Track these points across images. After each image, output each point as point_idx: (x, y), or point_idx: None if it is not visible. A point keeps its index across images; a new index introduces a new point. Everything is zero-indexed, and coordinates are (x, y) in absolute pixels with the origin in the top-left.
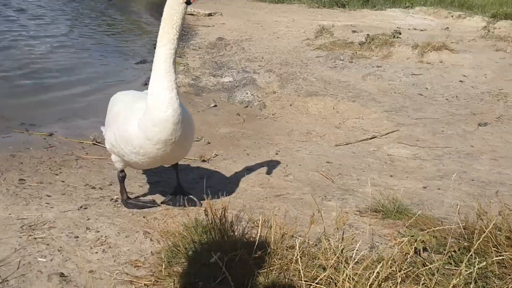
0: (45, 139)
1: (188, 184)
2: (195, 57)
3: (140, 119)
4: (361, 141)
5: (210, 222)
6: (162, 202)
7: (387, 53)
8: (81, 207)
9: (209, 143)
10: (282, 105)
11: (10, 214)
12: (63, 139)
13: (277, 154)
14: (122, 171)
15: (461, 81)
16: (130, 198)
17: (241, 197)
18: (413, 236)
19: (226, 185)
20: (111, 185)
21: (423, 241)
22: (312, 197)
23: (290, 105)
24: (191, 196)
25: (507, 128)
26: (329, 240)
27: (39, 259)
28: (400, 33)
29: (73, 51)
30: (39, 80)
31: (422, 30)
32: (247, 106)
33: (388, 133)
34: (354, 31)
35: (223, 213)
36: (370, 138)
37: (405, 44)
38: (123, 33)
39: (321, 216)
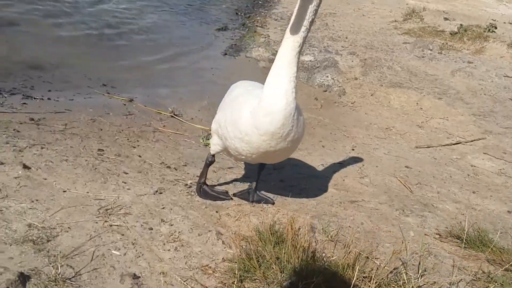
0: (124, 104)
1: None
2: (277, 29)
3: (254, 107)
4: (444, 145)
5: (283, 236)
6: (234, 195)
7: (479, 48)
8: (156, 191)
9: None
10: (363, 93)
11: (88, 192)
12: (142, 107)
13: (353, 149)
14: (214, 156)
15: None
16: (207, 185)
17: (314, 198)
18: (501, 283)
19: (299, 180)
20: (185, 165)
21: None
22: (390, 210)
23: (371, 95)
24: (263, 193)
25: None
26: (407, 274)
27: (113, 251)
28: (495, 27)
29: (157, 12)
30: (122, 41)
31: None
32: (325, 91)
33: (473, 140)
34: (446, 19)
35: (295, 226)
36: (454, 144)
37: (500, 40)
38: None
39: (404, 245)
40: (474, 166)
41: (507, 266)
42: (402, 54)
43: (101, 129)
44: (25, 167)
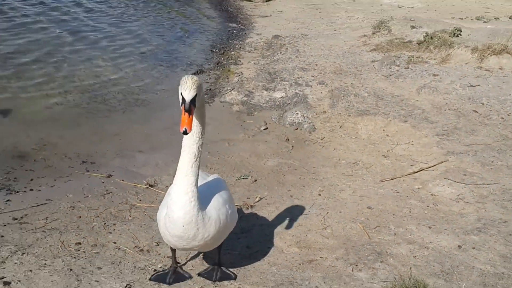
0: (103, 182)
1: (230, 241)
2: (250, 63)
3: (166, 212)
4: (407, 175)
5: None
6: (199, 274)
7: (445, 56)
8: (126, 286)
9: (255, 180)
10: (332, 127)
11: None
12: (119, 182)
13: (320, 195)
14: None
15: None
16: (178, 266)
17: (276, 262)
18: None
19: (264, 243)
20: (157, 245)
21: None
22: (345, 266)
23: (340, 127)
24: (226, 271)
25: None
26: None
27: None
28: (460, 31)
29: (130, 62)
30: (98, 108)
31: (485, 22)
32: (296, 129)
33: (435, 165)
34: (413, 27)
35: None
36: (417, 172)
37: (464, 45)
38: (178, 37)
39: None
40: (434, 195)
41: None
42: (370, 76)
43: (80, 217)
44: (5, 283)
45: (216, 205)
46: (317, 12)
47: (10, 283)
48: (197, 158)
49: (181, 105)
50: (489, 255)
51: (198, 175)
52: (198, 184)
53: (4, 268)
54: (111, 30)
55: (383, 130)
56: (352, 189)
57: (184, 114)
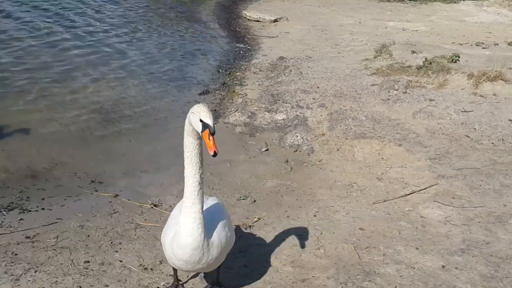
0: (110, 201)
1: (228, 260)
2: (255, 84)
3: (172, 237)
4: (399, 197)
5: None
6: None
7: (443, 81)
8: None
9: (254, 201)
10: (330, 149)
11: None
12: (126, 201)
13: (315, 216)
14: None
15: (510, 120)
16: (180, 284)
17: (271, 281)
18: None
19: (261, 263)
20: (161, 263)
21: None
22: (335, 285)
23: (337, 150)
24: None
25: None
26: None
27: None
28: (458, 57)
29: (140, 84)
30: (108, 130)
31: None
32: (296, 150)
33: (426, 188)
34: (413, 52)
35: None
36: (408, 194)
37: (461, 71)
38: (186, 57)
39: None
40: (423, 217)
41: None
42: (369, 99)
43: (88, 236)
44: None
45: (218, 229)
46: (322, 33)
47: None
48: (201, 185)
49: (201, 131)
50: (470, 274)
51: (203, 202)
52: None
53: (19, 285)
54: (121, 49)
55: (379, 153)
56: (346, 211)
57: (209, 139)
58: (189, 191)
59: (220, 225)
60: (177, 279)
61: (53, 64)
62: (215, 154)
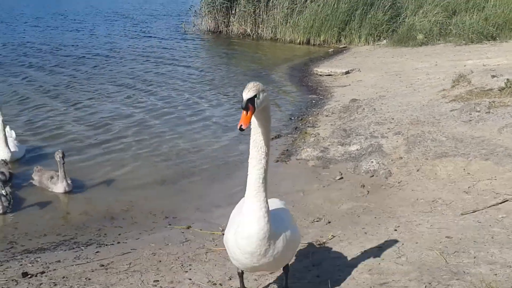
0: (182, 232)
1: (299, 273)
2: (327, 125)
3: (236, 229)
4: (489, 206)
5: None
6: None
7: None
8: None
9: (329, 222)
10: (409, 171)
11: None
12: (198, 231)
13: (395, 230)
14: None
15: None
16: None
17: (345, 287)
18: None
19: (334, 273)
20: (230, 279)
21: None
22: (418, 285)
23: (417, 170)
24: None
25: None
26: None
27: None
28: None
29: (212, 132)
30: (184, 178)
31: None
32: (372, 176)
33: None
34: (493, 76)
35: None
36: (501, 203)
37: None
38: None
39: None
40: None
41: None
42: (449, 123)
43: (160, 261)
44: None
45: (281, 222)
46: (396, 77)
47: None
48: (265, 171)
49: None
50: None
51: (267, 191)
52: None
53: None
54: (192, 99)
55: (464, 169)
56: (430, 223)
57: (243, 112)
58: (254, 178)
59: (284, 219)
60: (243, 287)
61: (125, 113)
62: (240, 128)
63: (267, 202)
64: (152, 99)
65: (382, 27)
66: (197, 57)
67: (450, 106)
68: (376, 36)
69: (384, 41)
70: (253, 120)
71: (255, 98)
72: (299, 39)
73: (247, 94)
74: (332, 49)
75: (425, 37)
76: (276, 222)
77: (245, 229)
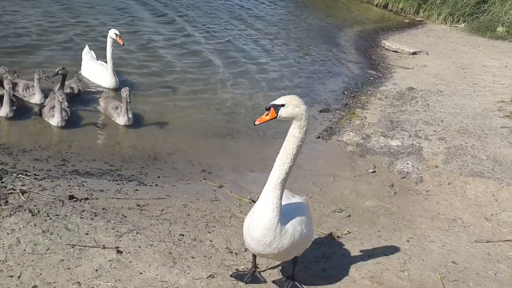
0: (214, 190)
1: (308, 261)
2: (376, 109)
3: (252, 215)
4: (504, 241)
5: None
6: (273, 282)
7: None
8: (209, 276)
9: (349, 216)
10: (440, 182)
11: (157, 275)
12: (228, 193)
13: (408, 241)
14: None
15: None
16: (257, 270)
17: None
18: None
19: (339, 270)
20: (246, 251)
21: None
22: None
23: (448, 184)
24: (298, 285)
25: None
26: None
27: None
28: None
29: (262, 90)
30: (229, 134)
31: None
32: (404, 177)
33: None
34: None
35: None
36: None
37: None
38: (315, 75)
39: None
40: None
41: None
42: (495, 140)
43: (188, 215)
44: (119, 251)
45: (294, 222)
46: (462, 71)
47: (122, 252)
48: (287, 174)
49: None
50: None
51: (284, 190)
52: (283, 202)
53: (121, 240)
54: (257, 59)
55: (493, 195)
56: (443, 243)
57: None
58: (275, 176)
59: (298, 219)
60: (255, 265)
61: (196, 66)
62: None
63: (280, 199)
64: (219, 47)
65: (465, 10)
66: (270, 8)
67: (502, 122)
68: (456, 17)
69: (463, 24)
70: (291, 127)
71: (281, 106)
72: (377, 1)
73: (276, 100)
74: (407, 20)
75: (506, 31)
76: (289, 218)
77: (255, 217)
